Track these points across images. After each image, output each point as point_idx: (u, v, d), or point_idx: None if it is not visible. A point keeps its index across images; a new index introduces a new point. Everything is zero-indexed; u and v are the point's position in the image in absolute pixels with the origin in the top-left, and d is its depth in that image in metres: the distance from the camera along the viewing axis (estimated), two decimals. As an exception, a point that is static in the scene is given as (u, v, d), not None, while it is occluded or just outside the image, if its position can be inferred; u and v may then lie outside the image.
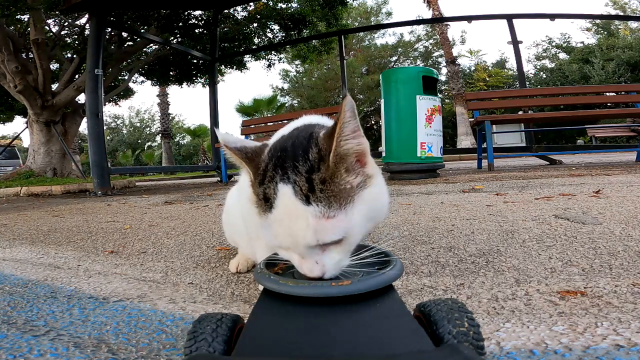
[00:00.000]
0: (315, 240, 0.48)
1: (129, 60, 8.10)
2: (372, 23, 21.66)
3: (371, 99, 21.12)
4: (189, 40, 7.52)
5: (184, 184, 6.69)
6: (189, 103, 60.82)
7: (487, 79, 20.02)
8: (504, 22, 5.78)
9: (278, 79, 39.94)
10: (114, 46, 7.27)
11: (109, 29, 6.86)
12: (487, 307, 0.64)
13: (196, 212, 2.24)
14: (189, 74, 8.85)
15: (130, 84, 9.70)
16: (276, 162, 0.52)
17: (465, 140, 13.89)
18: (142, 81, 9.65)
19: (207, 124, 9.19)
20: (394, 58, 22.69)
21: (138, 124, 29.16)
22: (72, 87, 6.70)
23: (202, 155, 22.67)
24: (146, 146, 28.36)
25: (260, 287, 0.57)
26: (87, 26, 6.63)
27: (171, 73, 8.89)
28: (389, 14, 22.97)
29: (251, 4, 7.44)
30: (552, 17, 6.00)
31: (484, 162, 4.55)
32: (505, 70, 20.95)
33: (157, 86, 13.70)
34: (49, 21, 7.09)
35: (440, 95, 3.96)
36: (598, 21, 17.08)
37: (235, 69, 8.74)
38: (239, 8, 7.65)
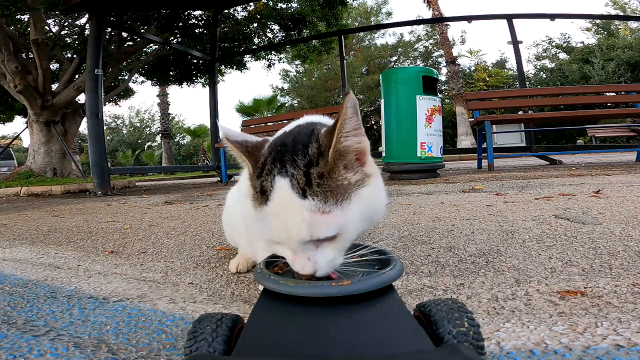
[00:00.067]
0: (309, 235, 0.48)
1: (129, 60, 8.09)
2: (372, 23, 21.66)
3: (371, 99, 21.12)
4: (189, 40, 7.52)
5: (184, 184, 6.69)
6: (189, 103, 60.88)
7: (487, 79, 20.02)
8: (504, 22, 5.79)
9: (278, 79, 39.96)
10: (114, 46, 7.27)
11: (109, 29, 6.86)
12: (487, 307, 0.64)
13: (196, 212, 2.24)
14: (189, 74, 8.85)
15: (130, 84, 9.71)
16: (275, 156, 0.52)
17: (465, 140, 13.89)
18: (142, 81, 9.66)
19: (207, 124, 9.20)
20: (394, 58, 22.69)
21: (138, 124, 29.17)
22: (72, 87, 6.70)
23: (202, 155, 22.67)
24: (146, 146, 28.36)
25: (260, 287, 0.57)
26: (87, 26, 6.63)
27: (171, 73, 8.89)
28: (389, 14, 22.98)
29: (251, 4, 7.44)
30: (552, 17, 6.01)
31: (484, 162, 4.55)
32: (505, 70, 20.95)
33: (157, 86, 13.70)
34: (49, 21, 7.09)
35: (440, 95, 3.96)
36: (598, 21, 17.08)
37: (235, 69, 8.74)
38: (239, 8, 7.65)
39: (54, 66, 7.92)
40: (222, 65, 8.58)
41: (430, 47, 22.25)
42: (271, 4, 7.54)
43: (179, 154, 27.58)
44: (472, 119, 6.18)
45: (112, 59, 7.10)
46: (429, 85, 3.60)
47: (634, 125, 8.90)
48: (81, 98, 7.10)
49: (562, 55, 19.47)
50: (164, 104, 20.92)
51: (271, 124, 5.44)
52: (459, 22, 21.62)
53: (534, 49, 20.91)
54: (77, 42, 7.32)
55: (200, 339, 0.41)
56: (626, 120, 9.53)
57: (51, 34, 7.10)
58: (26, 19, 6.24)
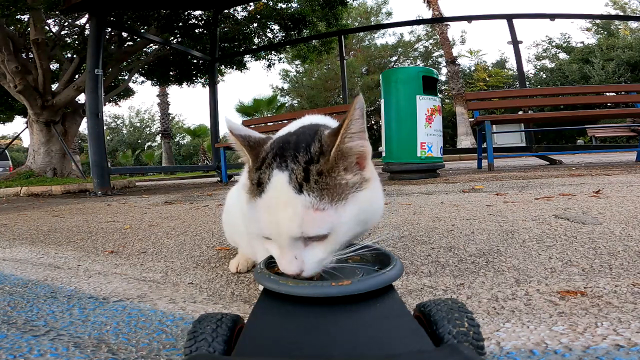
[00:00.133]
0: (300, 231, 0.48)
1: (129, 60, 8.09)
2: (372, 23, 21.66)
3: (371, 99, 21.11)
4: (189, 40, 7.52)
5: (184, 184, 6.69)
6: (189, 103, 60.90)
7: (487, 79, 20.02)
8: (504, 22, 5.79)
9: (278, 79, 39.98)
10: (114, 46, 7.27)
11: (109, 29, 6.86)
12: (487, 307, 0.64)
13: (196, 212, 2.24)
14: (189, 74, 8.85)
15: (130, 84, 9.70)
16: (277, 151, 0.52)
17: (465, 140, 13.89)
18: (142, 81, 9.66)
19: (207, 124, 9.20)
20: (394, 58, 22.70)
21: (138, 124, 29.17)
22: (72, 87, 6.70)
23: (202, 155, 22.67)
24: (146, 146, 28.37)
25: (260, 287, 0.57)
26: (87, 26, 6.63)
27: (171, 73, 8.89)
28: (389, 14, 23.00)
29: (251, 4, 7.44)
30: (552, 17, 6.01)
31: (484, 162, 4.55)
32: (505, 70, 20.95)
33: (157, 86, 13.69)
34: (49, 21, 7.09)
35: (440, 95, 3.96)
36: (598, 21, 17.08)
37: (235, 69, 8.74)
38: (239, 8, 7.65)
39: (54, 66, 7.92)
40: (222, 65, 8.59)
41: (430, 47, 22.25)
42: (271, 4, 7.54)
43: (179, 154, 27.59)
44: (472, 119, 6.19)
45: (112, 59, 7.10)
46: (429, 85, 3.60)
47: (634, 125, 8.90)
48: (81, 98, 7.10)
49: (562, 55, 19.48)
50: (164, 104, 20.92)
51: (271, 124, 5.44)
52: (459, 22, 21.64)
53: (534, 49, 20.95)
54: (77, 42, 7.32)
55: (200, 339, 0.41)
56: (626, 120, 9.53)
57: (51, 34, 7.10)
58: (26, 19, 6.24)
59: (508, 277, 0.78)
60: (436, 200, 2.03)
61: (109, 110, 32.23)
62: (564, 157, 6.09)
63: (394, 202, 2.03)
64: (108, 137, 25.97)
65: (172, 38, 7.47)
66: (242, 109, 20.78)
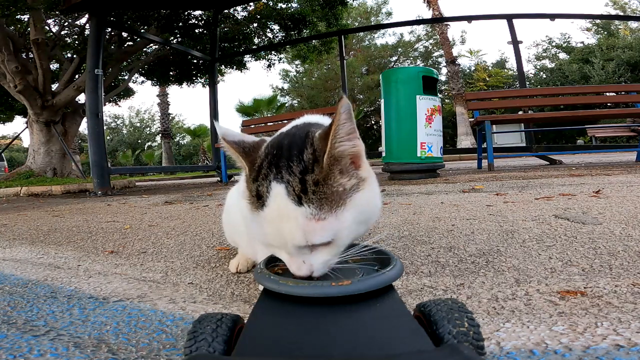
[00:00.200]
0: (305, 241, 0.49)
1: (129, 60, 8.09)
2: (372, 23, 21.66)
3: (371, 99, 21.14)
4: (189, 40, 7.52)
5: (184, 184, 6.69)
6: (189, 103, 60.92)
7: (487, 79, 20.02)
8: (504, 22, 5.78)
9: (278, 79, 40.00)
10: (114, 46, 7.27)
11: (109, 29, 6.86)
12: (487, 307, 0.64)
13: (196, 212, 2.24)
14: (189, 74, 8.85)
15: (130, 84, 9.70)
16: (271, 159, 0.52)
17: (465, 140, 13.89)
18: (142, 81, 9.66)
19: (207, 124, 9.21)
20: (394, 58, 22.70)
21: (138, 124, 29.17)
22: (72, 87, 6.70)
23: (202, 155, 22.67)
24: (146, 146, 28.36)
25: (260, 287, 0.57)
26: (87, 26, 6.63)
27: (171, 73, 8.89)
28: (389, 14, 23.01)
29: (251, 4, 7.44)
30: (552, 17, 6.00)
31: (484, 162, 4.55)
32: (505, 70, 20.95)
33: (157, 86, 13.69)
34: (49, 21, 7.09)
35: (440, 95, 3.96)
36: (598, 21, 17.08)
37: (235, 69, 8.74)
38: (239, 8, 7.65)
39: (54, 66, 7.91)
40: (222, 65, 8.58)
41: (430, 47, 22.26)
42: (271, 4, 7.54)
43: (179, 154, 27.59)
44: (472, 119, 6.19)
45: (112, 59, 7.10)
46: (429, 85, 3.60)
47: (634, 125, 8.90)
48: (81, 98, 7.10)
49: (562, 55, 19.48)
50: (164, 104, 20.92)
51: (271, 124, 5.44)
52: (459, 22, 21.63)
53: (534, 49, 20.96)
54: (77, 42, 7.31)
55: (200, 339, 0.41)
56: (626, 120, 9.53)
57: (51, 34, 7.10)
58: (26, 19, 6.24)
59: (508, 277, 0.78)
60: (436, 200, 2.03)
61: (109, 110, 32.28)
62: (564, 157, 6.09)
63: (394, 202, 2.03)
64: (108, 137, 25.97)
65: (172, 38, 7.47)
66: (242, 109, 20.77)
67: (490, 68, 21.61)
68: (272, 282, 0.49)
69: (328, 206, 0.49)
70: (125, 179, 8.02)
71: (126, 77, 8.68)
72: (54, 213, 2.63)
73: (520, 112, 6.26)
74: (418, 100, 3.53)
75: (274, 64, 8.67)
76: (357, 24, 20.62)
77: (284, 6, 7.60)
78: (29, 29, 6.17)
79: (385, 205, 1.92)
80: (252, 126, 5.68)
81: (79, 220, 2.15)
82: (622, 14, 18.05)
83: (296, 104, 23.38)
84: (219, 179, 6.31)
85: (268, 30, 8.01)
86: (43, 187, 5.39)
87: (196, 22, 7.39)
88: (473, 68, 22.01)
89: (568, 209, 1.47)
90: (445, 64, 16.41)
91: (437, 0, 14.94)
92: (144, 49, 7.98)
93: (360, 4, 21.03)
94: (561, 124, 6.26)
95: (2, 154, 13.80)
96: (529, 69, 20.34)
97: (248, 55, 8.52)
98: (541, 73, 19.57)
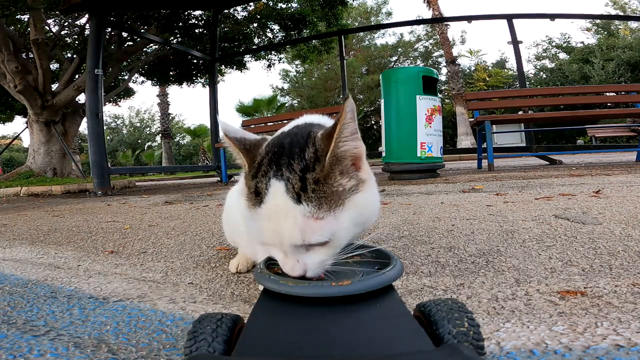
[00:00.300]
0: (301, 240, 0.48)
1: (129, 60, 8.09)
2: (372, 23, 21.66)
3: (371, 99, 21.13)
4: (189, 40, 7.52)
5: (184, 184, 6.69)
6: (189, 103, 60.89)
7: (487, 79, 20.02)
8: (504, 22, 5.78)
9: (278, 79, 40.01)
10: (114, 46, 7.27)
11: (109, 29, 6.86)
12: (487, 307, 0.64)
13: (196, 212, 2.24)
14: (189, 74, 8.85)
15: (130, 84, 9.70)
16: (272, 157, 0.52)
17: (465, 140, 13.89)
18: (142, 81, 9.66)
19: (207, 124, 9.20)
20: (394, 58, 22.70)
21: (138, 124, 29.17)
22: (72, 87, 6.70)
23: (202, 155, 22.67)
24: (146, 146, 28.36)
25: (260, 287, 0.57)
26: (87, 26, 6.63)
27: (171, 73, 8.89)
28: (389, 14, 23.01)
29: (251, 4, 7.44)
30: (552, 17, 6.01)
31: (484, 162, 4.55)
32: (505, 70, 20.95)
33: (157, 86, 13.70)
34: (49, 21, 7.09)
35: (440, 95, 3.96)
36: (598, 21, 17.08)
37: (235, 69, 8.74)
38: (239, 8, 7.65)
39: (54, 66, 7.92)
40: (222, 65, 8.58)
41: (430, 47, 22.26)
42: (271, 4, 7.54)
43: (179, 154, 27.58)
44: (472, 119, 6.19)
45: (112, 59, 7.10)
46: (429, 85, 3.60)
47: (634, 125, 8.90)
48: (81, 98, 7.10)
49: (562, 55, 19.48)
50: (164, 104, 20.92)
51: (271, 124, 5.44)
52: (459, 22, 21.63)
53: (534, 49, 20.96)
54: (77, 42, 7.31)
55: (200, 339, 0.41)
56: (626, 120, 9.54)
57: (51, 34, 7.10)
58: (26, 19, 6.24)
59: (508, 277, 0.78)
60: (436, 200, 2.03)
61: (109, 110, 32.29)
62: (564, 157, 6.09)
63: (394, 202, 2.03)
64: (108, 137, 25.97)
65: (172, 38, 7.47)
66: (242, 109, 20.78)
67: (490, 68, 21.62)
68: (272, 282, 0.49)
69: (327, 205, 0.49)
70: (125, 179, 8.02)
71: (126, 77, 8.68)
72: (54, 213, 2.63)
73: (520, 112, 6.26)
74: (418, 100, 3.53)
75: (274, 64, 8.67)
76: (357, 24, 20.62)
77: (284, 6, 7.61)
78: (29, 29, 6.17)
79: (385, 205, 1.92)
80: (252, 126, 5.68)
81: (79, 220, 2.15)
82: (622, 14, 18.05)
83: (296, 104, 23.39)
84: (219, 179, 6.31)
85: (268, 30, 8.01)
86: (43, 187, 5.39)
87: (196, 22, 7.39)
88: (473, 68, 22.02)
89: (568, 209, 1.47)
90: (445, 64, 16.41)
91: (437, 0, 14.94)
92: (144, 49, 7.98)
93: (360, 4, 21.04)
94: (561, 124, 6.26)
95: (-1, 155, 13.79)
96: (529, 69, 20.37)
97: (248, 55, 8.52)
98: (541, 73, 19.57)
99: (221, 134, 0.57)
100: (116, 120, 28.80)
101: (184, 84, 9.14)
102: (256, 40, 8.27)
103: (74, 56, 7.29)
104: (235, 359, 0.38)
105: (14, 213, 2.83)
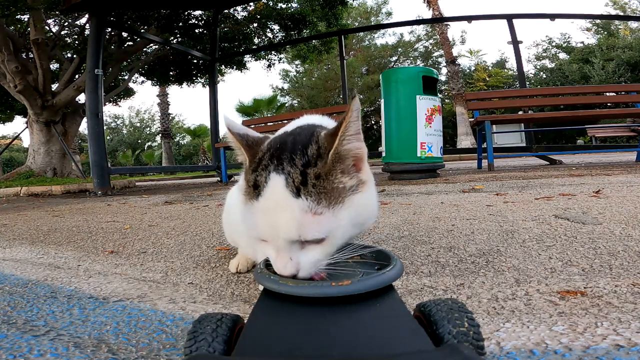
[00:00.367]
0: (297, 235, 0.48)
1: (129, 60, 8.10)
2: (372, 23, 21.66)
3: (371, 99, 21.12)
4: (189, 40, 7.52)
5: (184, 184, 6.69)
6: (189, 103, 60.85)
7: (487, 79, 20.02)
8: (504, 22, 5.79)
9: (278, 79, 40.02)
10: (114, 46, 7.27)
11: (109, 29, 6.86)
12: (487, 307, 0.64)
13: (196, 212, 2.24)
14: (189, 74, 8.85)
15: (130, 84, 9.71)
16: (274, 152, 0.52)
17: (465, 140, 13.89)
18: (142, 81, 9.66)
19: (207, 124, 9.20)
20: (394, 58, 22.70)
21: (138, 124, 29.17)
22: (72, 87, 6.70)
23: (202, 155, 22.67)
24: (146, 146, 28.36)
25: (260, 287, 0.57)
26: (87, 26, 6.63)
27: (171, 73, 8.90)
28: (389, 14, 23.02)
29: (251, 4, 7.44)
30: (552, 17, 6.01)
31: (484, 162, 4.55)
32: (505, 70, 20.95)
33: (157, 86, 13.71)
34: (49, 21, 7.09)
35: (440, 95, 3.96)
36: (598, 21, 17.07)
37: (235, 69, 8.74)
38: (239, 8, 7.65)
39: (54, 66, 7.92)
40: (222, 65, 8.59)
41: (430, 47, 22.26)
42: (271, 4, 7.55)
43: (179, 154, 27.58)
44: (472, 119, 6.19)
45: (112, 59, 7.11)
46: (429, 85, 3.60)
47: (634, 125, 8.90)
48: (81, 98, 7.10)
49: (562, 55, 19.48)
50: (164, 104, 20.92)
51: (271, 124, 5.44)
52: (459, 22, 21.63)
53: (534, 49, 20.95)
54: (77, 42, 7.32)
55: (200, 339, 0.41)
56: (626, 120, 9.54)
57: (51, 34, 7.10)
58: (26, 19, 6.24)
59: (508, 277, 0.78)
60: (436, 200, 2.03)
61: (109, 110, 32.27)
62: (564, 157, 6.09)
63: (394, 202, 2.03)
64: (108, 137, 25.97)
65: (172, 38, 7.47)
66: (242, 109, 20.78)
67: (490, 68, 21.62)
68: (272, 282, 0.49)
69: (326, 201, 0.48)
70: (125, 179, 8.02)
71: (126, 77, 8.68)
72: (54, 213, 2.63)
73: (520, 112, 6.26)
74: (418, 100, 3.53)
75: (274, 64, 8.68)
76: (357, 24, 20.62)
77: (284, 6, 7.61)
78: (29, 29, 6.17)
79: (385, 205, 1.92)
80: (252, 126, 5.68)
81: (79, 220, 2.15)
82: (622, 14, 18.05)
83: (296, 104, 23.39)
84: (219, 179, 6.31)
85: (268, 30, 8.02)
86: (43, 187, 5.39)
87: (196, 22, 7.39)
88: (473, 68, 22.02)
89: (568, 209, 1.47)
90: (445, 64, 16.41)
91: (437, 0, 14.94)
92: (144, 49, 7.99)
93: (360, 4, 21.04)
94: (561, 124, 6.26)
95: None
96: (529, 69, 20.37)
97: (248, 55, 8.53)
98: (541, 73, 19.57)
99: (225, 129, 0.57)
100: (116, 120, 28.83)
101: (184, 84, 9.14)
102: (256, 40, 8.28)
103: (74, 56, 7.29)
104: (235, 359, 0.38)
105: (14, 213, 2.83)
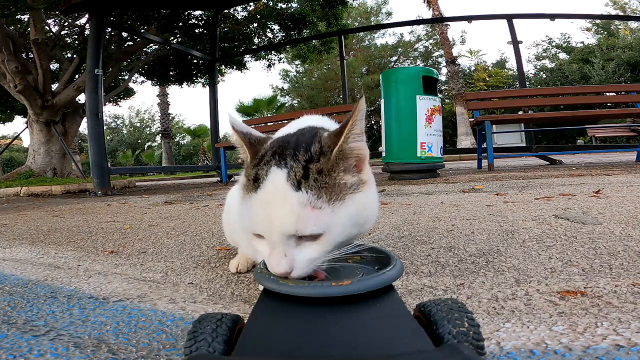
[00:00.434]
0: (294, 229, 0.47)
1: (129, 60, 8.10)
2: (372, 23, 21.66)
3: (371, 99, 21.10)
4: (189, 40, 7.52)
5: (184, 184, 6.69)
6: (189, 103, 60.85)
7: (487, 79, 20.02)
8: (504, 22, 5.79)
9: (278, 79, 40.03)
10: (114, 46, 7.27)
11: (109, 29, 6.86)
12: (487, 307, 0.64)
13: (196, 212, 2.24)
14: (189, 74, 8.86)
15: (130, 84, 9.71)
16: (276, 150, 0.52)
17: (465, 140, 13.89)
18: (142, 81, 9.66)
19: (207, 124, 9.20)
20: (394, 58, 22.70)
21: (138, 124, 29.17)
22: (72, 87, 6.70)
23: (202, 155, 22.67)
24: (146, 146, 28.36)
25: (260, 287, 0.57)
26: (87, 26, 6.63)
27: (171, 73, 8.90)
28: (389, 14, 23.02)
29: (251, 4, 7.44)
30: (552, 17, 6.01)
31: (484, 162, 4.55)
32: (505, 70, 20.95)
33: (157, 86, 13.71)
34: (49, 21, 7.10)
35: (440, 95, 3.96)
36: (598, 21, 17.08)
37: (235, 69, 8.74)
38: (239, 8, 7.65)
39: (54, 66, 7.92)
40: (222, 65, 8.59)
41: (430, 47, 22.26)
42: (271, 4, 7.55)
43: (179, 154, 27.58)
44: (472, 119, 6.19)
45: (112, 59, 7.10)
46: (429, 85, 3.60)
47: (634, 125, 8.90)
48: (81, 98, 7.10)
49: (562, 55, 19.48)
50: (164, 104, 20.92)
51: (271, 124, 5.44)
52: (459, 22, 21.63)
53: (534, 49, 20.95)
54: (77, 42, 7.32)
55: (200, 339, 0.41)
56: (626, 120, 9.53)
57: (51, 34, 7.10)
58: (26, 19, 6.24)
59: (508, 277, 0.78)
60: (436, 200, 2.03)
61: (109, 110, 32.27)
62: (564, 157, 6.09)
63: (394, 202, 2.03)
64: (108, 137, 25.96)
65: (172, 38, 7.47)
66: (242, 109, 20.79)
67: (490, 68, 21.61)
68: (272, 282, 0.49)
69: (327, 196, 0.48)
70: (125, 179, 8.02)
71: (126, 77, 8.68)
72: (54, 213, 2.63)
73: (520, 112, 6.26)
74: (418, 100, 3.53)
75: (274, 64, 8.68)
76: (357, 24, 20.62)
77: (284, 6, 7.61)
78: (29, 29, 6.17)
79: (385, 205, 1.92)
80: (252, 126, 5.66)
81: (79, 220, 2.15)
82: (622, 14, 18.05)
83: (296, 104, 23.38)
84: (219, 179, 6.31)
85: (268, 30, 8.02)
86: (43, 187, 5.39)
87: (196, 22, 7.39)
88: (473, 68, 22.02)
89: (568, 209, 1.47)
90: (445, 64, 16.41)
91: (437, 0, 14.94)
92: (144, 49, 7.99)
93: (360, 4, 21.04)
94: (561, 124, 6.26)
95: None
96: (529, 69, 20.37)
97: (248, 55, 8.53)
98: (541, 73, 19.57)
99: (229, 126, 0.58)
100: (116, 120, 28.83)
101: (184, 84, 9.14)
102: (256, 40, 8.28)
103: (74, 56, 7.30)
104: (235, 359, 0.38)
105: (14, 213, 2.83)
